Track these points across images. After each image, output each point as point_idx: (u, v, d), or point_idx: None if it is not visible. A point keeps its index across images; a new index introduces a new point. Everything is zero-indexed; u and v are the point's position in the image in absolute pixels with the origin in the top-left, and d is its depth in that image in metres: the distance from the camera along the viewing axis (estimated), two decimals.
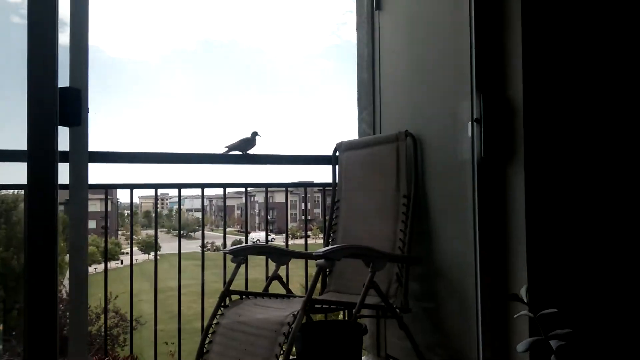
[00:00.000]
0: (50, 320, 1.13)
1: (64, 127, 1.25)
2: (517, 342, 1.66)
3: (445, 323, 2.18)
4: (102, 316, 10.28)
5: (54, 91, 1.19)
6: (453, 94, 2.04)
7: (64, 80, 1.26)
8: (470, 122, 1.73)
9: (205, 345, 2.04)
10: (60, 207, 1.34)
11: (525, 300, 1.35)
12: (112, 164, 2.31)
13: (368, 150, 2.53)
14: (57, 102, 1.20)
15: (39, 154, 1.13)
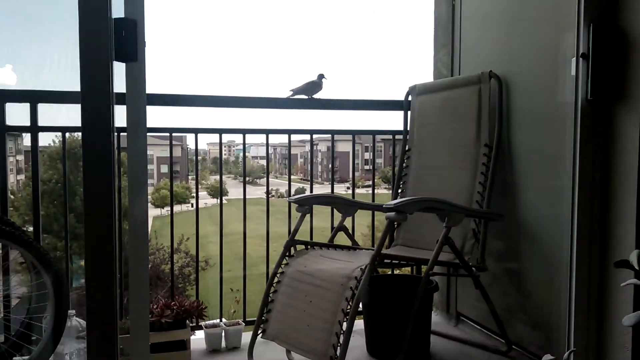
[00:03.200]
0: (108, 273, 1.09)
1: (120, 65, 1.16)
2: (617, 314, 1.47)
3: (528, 286, 2.00)
4: (175, 256, 10.87)
5: (109, 22, 1.08)
6: (552, 27, 1.76)
7: (118, 11, 1.15)
8: (574, 58, 1.46)
9: (270, 294, 2.00)
10: None
11: (637, 267, 1.15)
12: (175, 108, 2.25)
13: (445, 94, 2.30)
14: (111, 35, 1.09)
15: (93, 93, 1.05)
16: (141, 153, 1.18)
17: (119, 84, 1.20)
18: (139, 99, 1.17)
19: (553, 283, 1.80)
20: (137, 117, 1.17)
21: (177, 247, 10.57)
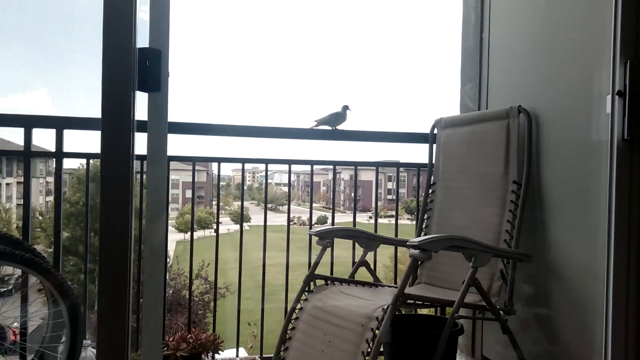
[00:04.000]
0: (121, 300, 1.05)
1: (143, 93, 1.15)
2: None
3: (559, 332, 1.88)
4: (195, 282, 10.84)
5: (132, 51, 1.07)
6: (584, 63, 1.70)
7: (143, 40, 1.15)
8: (609, 96, 1.39)
9: (288, 332, 1.94)
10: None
11: None
12: (200, 136, 2.26)
13: (473, 128, 2.25)
14: (135, 64, 1.08)
15: (114, 122, 1.03)
16: (161, 181, 1.15)
17: (142, 111, 1.19)
18: (160, 127, 1.15)
19: (586, 330, 1.69)
20: (157, 146, 1.15)
21: (198, 272, 10.56)
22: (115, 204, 1.05)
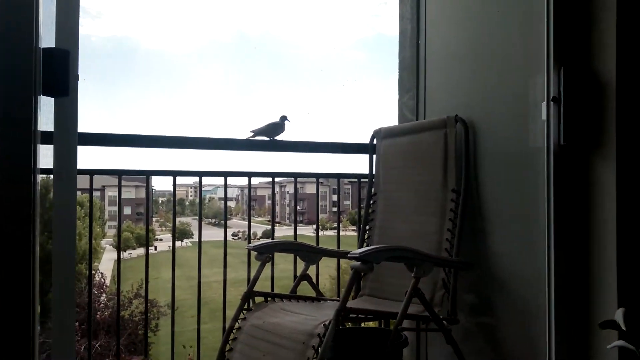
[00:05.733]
0: (23, 326, 0.91)
1: (49, 99, 1.02)
2: None
3: (503, 341, 1.88)
4: (134, 301, 10.29)
5: (34, 52, 0.95)
6: (519, 70, 1.72)
7: (49, 41, 1.03)
8: (544, 102, 1.41)
9: (225, 353, 1.82)
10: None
11: (624, 328, 1.05)
12: (131, 149, 2.11)
13: (411, 138, 2.24)
14: (37, 66, 0.96)
15: (10, 132, 0.91)
16: (69, 199, 1.03)
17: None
18: (68, 137, 1.03)
19: (530, 339, 1.69)
20: (66, 158, 1.02)
21: (137, 291, 10.03)
22: (11, 228, 0.91)
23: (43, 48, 0.99)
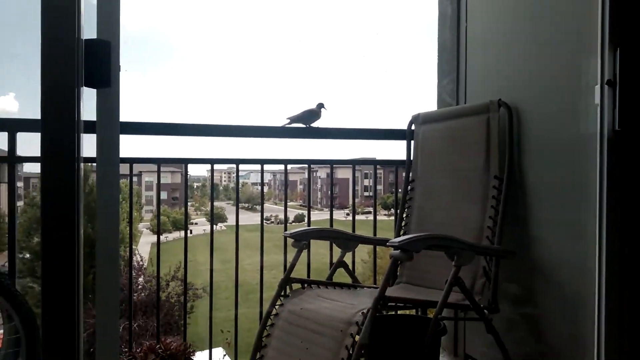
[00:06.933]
0: (69, 317, 0.93)
1: (92, 90, 1.03)
2: None
3: (547, 331, 1.82)
4: (171, 283, 10.56)
5: (76, 43, 0.95)
6: (569, 52, 1.64)
7: (91, 31, 1.03)
8: (598, 86, 1.33)
9: (263, 339, 1.84)
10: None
11: None
12: (169, 137, 2.13)
13: (451, 123, 2.18)
14: (80, 58, 0.96)
15: (55, 122, 0.92)
16: (113, 186, 1.04)
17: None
18: (111, 127, 1.03)
19: (576, 330, 1.64)
20: (108, 148, 1.03)
21: (174, 274, 10.32)
22: (57, 214, 0.93)
23: (85, 39, 0.99)
